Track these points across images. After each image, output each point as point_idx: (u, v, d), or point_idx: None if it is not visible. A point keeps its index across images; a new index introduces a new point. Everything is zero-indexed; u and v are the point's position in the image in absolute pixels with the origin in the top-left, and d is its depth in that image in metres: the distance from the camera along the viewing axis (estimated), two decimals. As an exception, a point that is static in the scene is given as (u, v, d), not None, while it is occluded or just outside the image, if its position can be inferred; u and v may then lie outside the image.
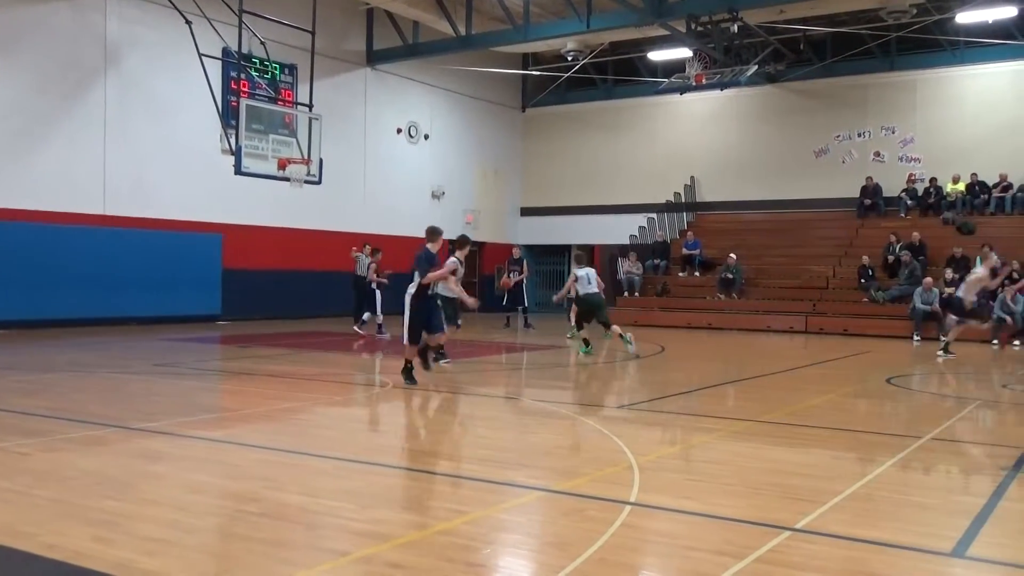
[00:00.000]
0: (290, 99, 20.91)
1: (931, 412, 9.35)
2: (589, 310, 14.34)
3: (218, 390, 10.49)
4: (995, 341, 17.62)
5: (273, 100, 19.78)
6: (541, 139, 30.20)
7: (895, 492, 5.41)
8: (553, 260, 30.98)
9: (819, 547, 4.22)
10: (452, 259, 11.28)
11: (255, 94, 19.12)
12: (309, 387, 10.05)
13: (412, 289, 10.06)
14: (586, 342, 14.57)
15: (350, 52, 24.20)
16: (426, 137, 26.76)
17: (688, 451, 6.84)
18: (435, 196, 27.09)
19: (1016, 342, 17.74)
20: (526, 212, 30.53)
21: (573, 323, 17.12)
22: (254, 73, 20.00)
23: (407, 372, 9.99)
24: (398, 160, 25.84)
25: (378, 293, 17.84)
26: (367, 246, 18.87)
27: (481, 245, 29.10)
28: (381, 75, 25.09)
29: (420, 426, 8.19)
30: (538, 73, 28.95)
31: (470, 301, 11.69)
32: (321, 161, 18.16)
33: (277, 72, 21.39)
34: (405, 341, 10.08)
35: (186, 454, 6.26)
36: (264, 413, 8.25)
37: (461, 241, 11.70)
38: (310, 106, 18.46)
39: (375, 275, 17.88)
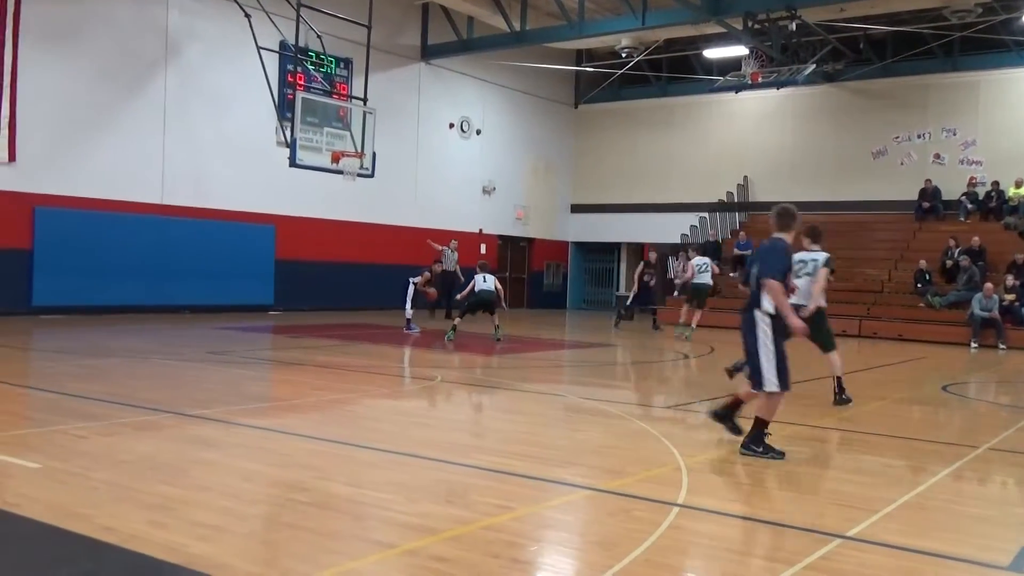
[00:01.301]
0: (345, 92, 21.10)
1: (988, 421, 9.13)
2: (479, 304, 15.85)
3: (269, 379, 10.63)
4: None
5: (328, 93, 19.97)
6: (593, 136, 30.08)
7: (950, 502, 5.29)
8: (603, 258, 30.87)
9: (871, 556, 4.15)
10: (819, 257, 8.81)
11: (311, 87, 19.32)
12: (358, 379, 10.14)
13: (767, 305, 6.40)
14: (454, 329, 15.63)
15: (405, 47, 24.34)
16: (478, 132, 26.83)
17: (737, 454, 6.76)
18: (486, 191, 27.15)
19: (1002, 346, 17.28)
20: (576, 209, 30.45)
21: (682, 320, 17.92)
22: (310, 66, 20.21)
23: (758, 440, 6.32)
24: (450, 155, 25.94)
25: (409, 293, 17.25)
26: (453, 241, 19.54)
27: (530, 241, 29.11)
28: (435, 70, 25.20)
29: (468, 421, 8.21)
30: (591, 69, 28.84)
31: (797, 326, 6.89)
32: (374, 155, 18.30)
33: (333, 66, 21.60)
34: (771, 387, 6.41)
35: (237, 441, 6.35)
36: (313, 403, 8.35)
37: (815, 232, 8.99)
38: (364, 100, 18.61)
39: (426, 282, 17.47)
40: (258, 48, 17.73)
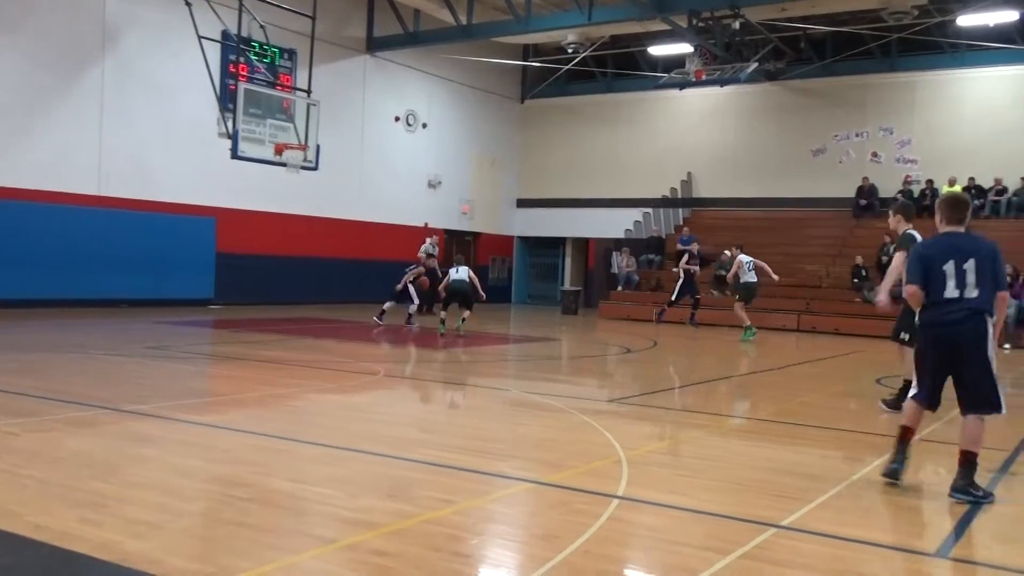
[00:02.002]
0: (289, 84, 20.87)
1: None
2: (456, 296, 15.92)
3: (210, 374, 10.48)
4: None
5: (271, 85, 19.74)
6: (539, 131, 30.17)
7: (881, 492, 5.43)
8: (548, 253, 30.99)
9: (804, 544, 4.24)
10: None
11: (253, 78, 19.07)
12: (301, 374, 10.05)
13: (920, 316, 5.44)
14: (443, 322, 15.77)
15: (350, 38, 24.13)
16: (424, 126, 26.72)
17: (677, 446, 6.86)
18: (432, 185, 27.07)
19: (1007, 345, 17.79)
20: (522, 203, 30.53)
21: (747, 322, 17.43)
22: (253, 57, 19.94)
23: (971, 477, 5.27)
24: (395, 148, 25.80)
25: (411, 289, 17.54)
26: (434, 236, 19.68)
27: (476, 236, 29.11)
28: (381, 62, 25.03)
29: (412, 415, 8.19)
30: (538, 65, 28.92)
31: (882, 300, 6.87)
32: (318, 147, 18.15)
33: (276, 57, 21.33)
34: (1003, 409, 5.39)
35: (176, 438, 6.26)
36: (255, 398, 8.25)
37: (908, 209, 8.03)
38: (308, 92, 18.43)
39: (411, 278, 17.60)
40: (199, 38, 17.42)
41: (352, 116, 24.26)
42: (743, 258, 17.70)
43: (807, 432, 7.72)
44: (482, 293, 16.25)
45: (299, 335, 14.93)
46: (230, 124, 17.31)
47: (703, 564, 3.84)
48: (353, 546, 3.94)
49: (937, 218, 5.71)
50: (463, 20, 22.88)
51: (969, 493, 5.13)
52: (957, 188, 23.33)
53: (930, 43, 23.90)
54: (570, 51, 25.82)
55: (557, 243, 30.59)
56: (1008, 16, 21.29)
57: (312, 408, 7.91)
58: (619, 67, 28.48)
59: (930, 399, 5.53)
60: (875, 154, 25.10)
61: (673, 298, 20.44)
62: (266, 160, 17.67)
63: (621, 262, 25.24)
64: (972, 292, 5.28)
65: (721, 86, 25.89)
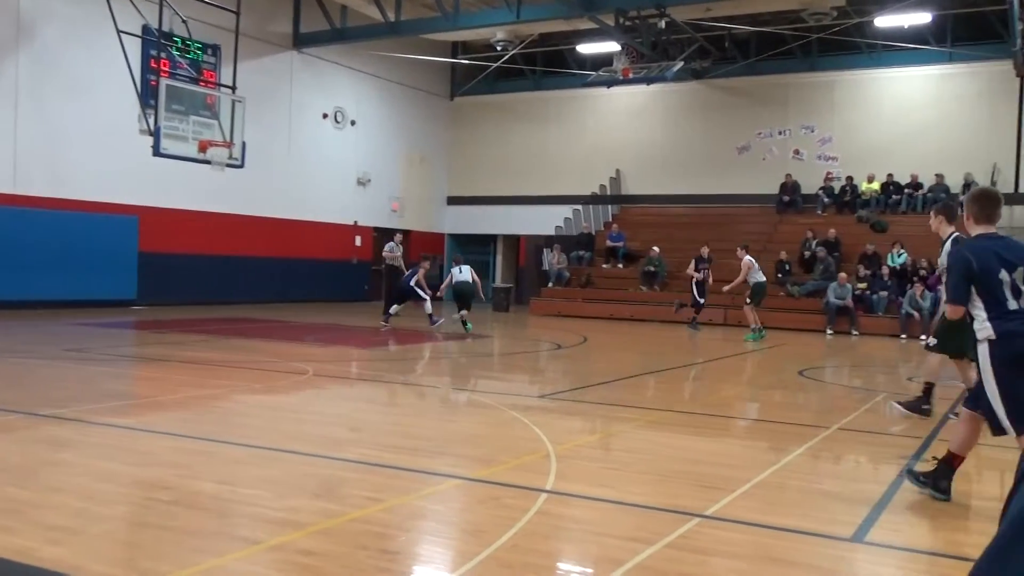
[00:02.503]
0: (213, 80, 20.46)
1: (840, 403, 9.65)
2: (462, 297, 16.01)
3: (131, 376, 10.23)
4: (903, 335, 18.27)
5: (195, 81, 19.33)
6: (469, 128, 30.16)
7: (801, 480, 5.59)
8: (479, 250, 30.98)
9: (727, 533, 4.34)
10: None
11: (176, 74, 18.65)
12: (228, 374, 9.88)
13: (992, 328, 4.67)
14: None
15: (276, 34, 23.77)
16: (353, 123, 26.47)
17: (605, 440, 6.94)
18: (361, 183, 26.84)
19: (923, 337, 18.41)
20: (452, 201, 30.49)
21: (755, 323, 17.12)
22: (175, 52, 19.50)
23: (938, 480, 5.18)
24: (324, 146, 25.52)
25: (420, 292, 16.83)
26: (398, 235, 19.69)
27: (406, 233, 28.96)
28: (308, 59, 24.72)
29: (341, 414, 8.12)
30: (467, 62, 28.89)
31: None
32: (244, 144, 17.84)
33: (199, 52, 20.89)
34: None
35: (94, 441, 6.10)
36: (179, 400, 8.09)
37: (951, 210, 7.05)
38: (233, 88, 18.09)
39: (423, 282, 16.84)
40: (118, 32, 16.94)
41: (279, 113, 23.91)
42: (750, 258, 17.22)
43: (732, 424, 7.88)
44: (482, 295, 16.14)
45: (226, 335, 14.67)
46: (151, 121, 16.90)
47: (628, 555, 3.90)
48: (279, 547, 3.90)
49: (966, 215, 5.05)
50: (391, 17, 22.73)
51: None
52: (875, 185, 24.07)
53: (848, 43, 24.57)
54: (499, 49, 25.88)
55: (488, 240, 30.61)
56: (921, 18, 22.01)
57: (239, 409, 7.78)
58: (548, 65, 28.62)
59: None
60: (797, 151, 25.71)
61: (700, 301, 19.62)
62: (190, 158, 17.30)
63: (552, 259, 25.40)
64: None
65: (648, 84, 26.17)
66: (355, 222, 26.47)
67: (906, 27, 22.81)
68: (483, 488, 5.06)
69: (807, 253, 22.38)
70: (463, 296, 15.75)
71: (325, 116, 25.51)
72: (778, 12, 23.38)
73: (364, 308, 23.39)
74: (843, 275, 19.98)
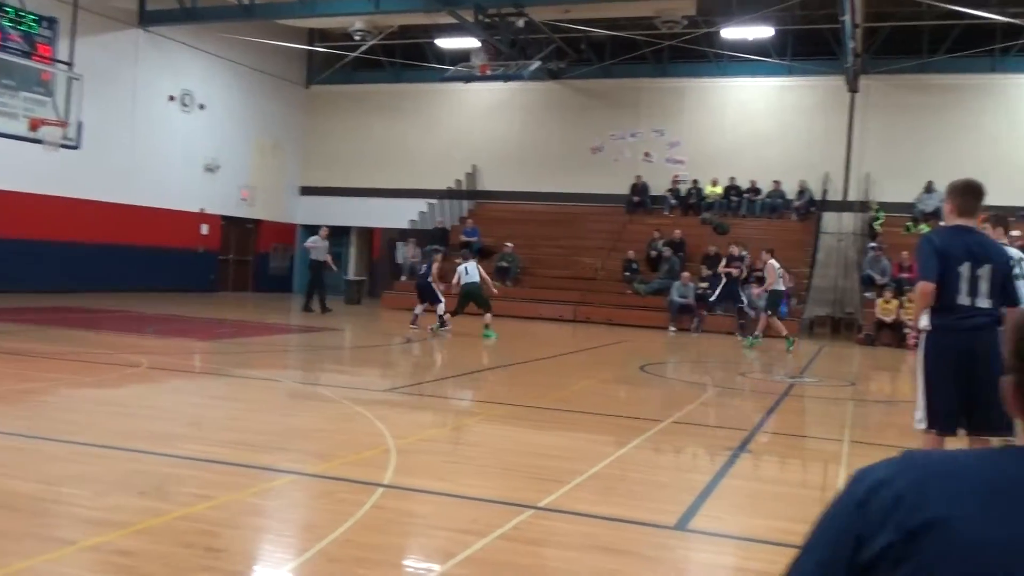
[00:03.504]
0: (48, 55, 19.26)
1: (677, 397, 10.06)
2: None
3: (-54, 368, 9.52)
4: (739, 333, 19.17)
5: (27, 55, 18.16)
6: (325, 117, 29.58)
7: (634, 471, 5.78)
8: (333, 242, 30.41)
9: (559, 524, 4.45)
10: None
11: (6, 46, 17.47)
12: (54, 367, 9.35)
13: (933, 319, 4.81)
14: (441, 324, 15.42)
15: (120, 10, 22.59)
16: (202, 107, 25.49)
17: (448, 434, 6.98)
18: (209, 169, 25.87)
19: (758, 335, 19.36)
20: (306, 191, 29.85)
21: (784, 332, 16.20)
22: (6, 23, 18.24)
23: None
24: (170, 129, 24.45)
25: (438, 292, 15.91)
26: (324, 229, 19.27)
27: (257, 223, 28.18)
28: (154, 38, 23.61)
29: (175, 409, 7.83)
30: (324, 50, 28.34)
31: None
32: (80, 124, 16.92)
33: (34, 24, 19.60)
34: None
35: None
36: (-3, 394, 7.60)
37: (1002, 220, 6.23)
38: (70, 64, 17.12)
39: (436, 276, 15.87)
40: (-60, -3, 15.77)
41: (122, 93, 22.74)
42: (774, 263, 16.18)
43: (574, 417, 8.07)
44: (493, 289, 15.37)
45: (56, 325, 13.86)
46: (-23, 95, 15.78)
47: (460, 547, 3.94)
48: (95, 547, 3.73)
49: (948, 206, 4.95)
50: (245, -1, 22.04)
51: None
52: (719, 189, 25.14)
53: (697, 52, 25.52)
54: (357, 38, 25.48)
55: (342, 232, 30.12)
56: (764, 32, 23.15)
57: (63, 404, 7.38)
58: (407, 58, 28.42)
59: (945, 425, 4.72)
60: (647, 154, 26.53)
61: (713, 299, 19.16)
62: (19, 136, 16.27)
63: (406, 252, 25.27)
64: (984, 302, 4.70)
65: (505, 82, 26.42)
66: (202, 209, 25.52)
67: (750, 40, 23.92)
68: (319, 483, 5.00)
69: (653, 252, 23.14)
70: (472, 297, 14.85)
71: (172, 99, 24.45)
72: (633, 18, 24.04)
73: (210, 299, 22.63)
74: (686, 274, 20.77)
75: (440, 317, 15.54)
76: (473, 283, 14.89)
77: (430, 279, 15.72)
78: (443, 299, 15.60)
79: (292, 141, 29.31)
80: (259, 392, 8.77)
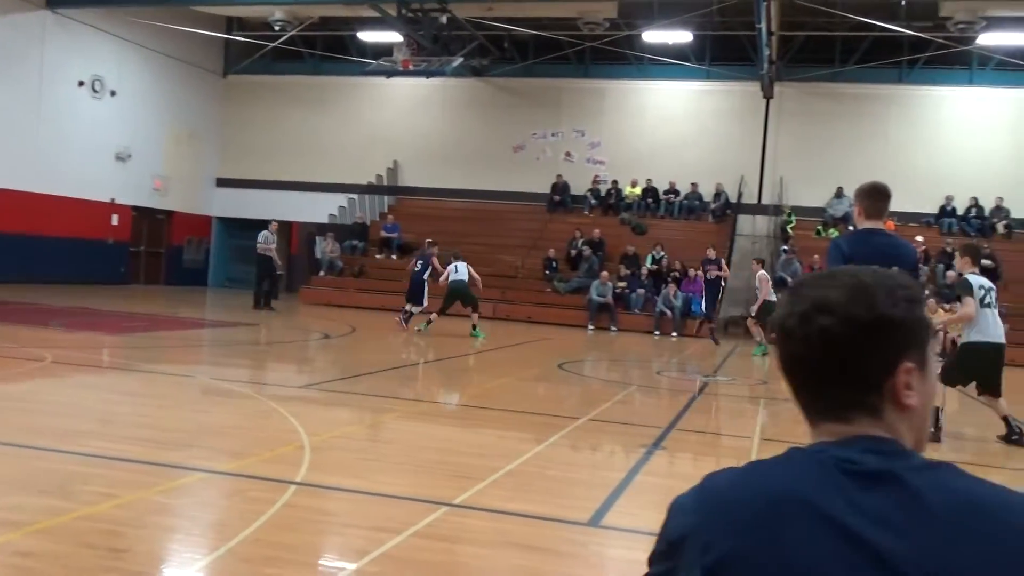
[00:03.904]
0: (-52, 34, 18.44)
1: (594, 395, 10.17)
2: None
3: None
4: (657, 332, 19.50)
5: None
6: (242, 108, 28.98)
7: (548, 468, 5.83)
8: (251, 235, 29.83)
9: (473, 520, 4.46)
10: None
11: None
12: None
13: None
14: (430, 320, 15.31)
15: (26, -10, 21.75)
16: (113, 94, 24.69)
17: (364, 431, 6.93)
18: (120, 158, 25.09)
19: (674, 334, 19.71)
20: (223, 183, 29.18)
21: (759, 338, 15.55)
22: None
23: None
24: (79, 116, 23.62)
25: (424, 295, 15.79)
26: (273, 223, 18.76)
27: (170, 214, 27.48)
28: (63, 20, 22.77)
29: (82, 405, 7.58)
30: (242, 39, 27.76)
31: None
32: (-18, 108, 16.21)
33: (-67, 1, 18.75)
34: None
35: None
36: None
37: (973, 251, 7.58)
38: (-28, 45, 16.40)
39: (438, 271, 15.68)
40: None
41: (27, 77, 21.88)
42: (764, 273, 15.94)
43: (492, 415, 8.09)
44: (480, 288, 15.24)
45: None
46: None
47: (373, 544, 3.91)
48: (-8, 548, 3.59)
49: (856, 209, 5.08)
50: (160, -16, 21.45)
51: None
52: (638, 190, 25.50)
53: (619, 54, 25.83)
54: (277, 28, 25.03)
55: (259, 225, 29.54)
56: (683, 36, 23.56)
57: (-40, 399, 7.08)
58: (328, 50, 28.02)
59: None
60: (568, 154, 26.73)
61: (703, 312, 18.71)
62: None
63: (325, 247, 24.95)
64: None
65: (427, 77, 26.31)
66: (112, 200, 24.74)
67: (670, 44, 24.32)
68: (230, 481, 4.91)
69: (573, 251, 23.35)
70: (459, 295, 14.75)
71: (81, 84, 23.63)
72: (556, 18, 24.20)
73: (120, 292, 21.95)
74: (605, 273, 21.02)
75: (408, 316, 15.58)
76: (460, 281, 14.96)
77: (425, 276, 15.79)
78: (426, 303, 15.69)
79: (209, 131, 28.63)
80: (170, 388, 8.56)
